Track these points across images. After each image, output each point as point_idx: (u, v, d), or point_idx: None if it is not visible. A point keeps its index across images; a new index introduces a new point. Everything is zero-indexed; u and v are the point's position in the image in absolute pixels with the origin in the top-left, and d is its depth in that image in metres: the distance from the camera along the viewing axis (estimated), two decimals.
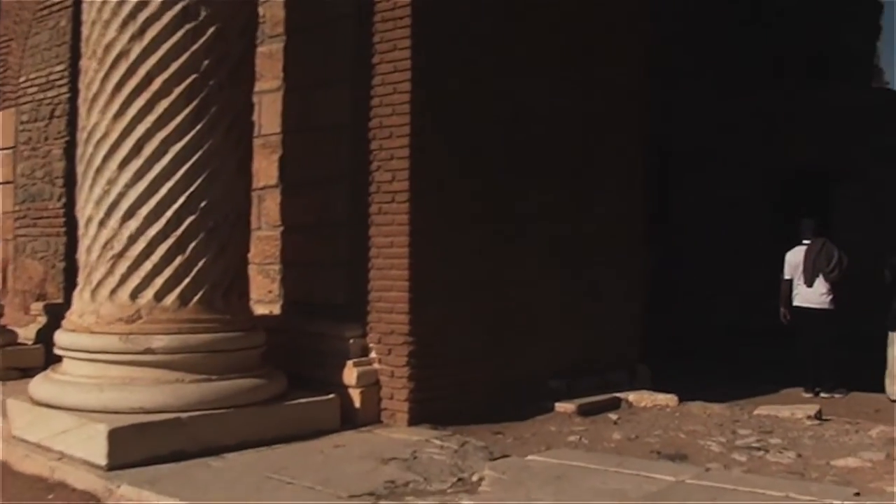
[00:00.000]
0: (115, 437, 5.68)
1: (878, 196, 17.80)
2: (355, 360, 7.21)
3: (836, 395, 9.79)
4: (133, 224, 6.45)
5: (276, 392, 6.82)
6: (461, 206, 7.56)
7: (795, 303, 10.12)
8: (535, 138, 8.36)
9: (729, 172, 18.68)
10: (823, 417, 7.92)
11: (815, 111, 18.08)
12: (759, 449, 6.72)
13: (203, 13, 6.63)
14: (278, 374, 6.97)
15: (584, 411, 7.94)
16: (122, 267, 6.44)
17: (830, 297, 9.92)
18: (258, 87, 7.89)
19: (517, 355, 8.08)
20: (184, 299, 6.47)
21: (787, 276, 10.22)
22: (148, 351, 6.26)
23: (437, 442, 6.54)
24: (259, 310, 7.95)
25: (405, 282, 7.11)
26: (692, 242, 18.88)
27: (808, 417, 7.80)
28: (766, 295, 19.13)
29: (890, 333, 9.87)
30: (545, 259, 8.43)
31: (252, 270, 7.75)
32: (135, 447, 5.75)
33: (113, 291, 6.45)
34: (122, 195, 6.47)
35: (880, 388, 9.94)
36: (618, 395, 8.51)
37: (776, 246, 19.32)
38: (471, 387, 7.57)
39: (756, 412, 8.10)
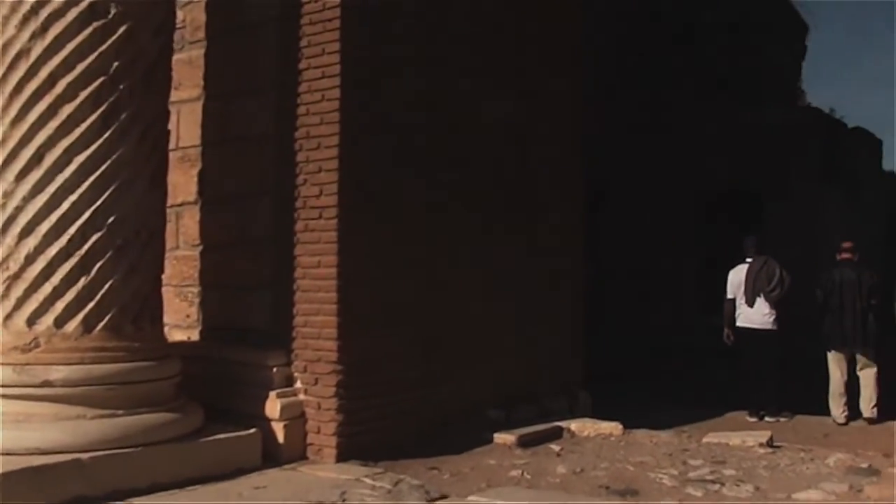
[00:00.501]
0: (4, 483, 4.94)
1: (806, 214, 17.64)
2: (279, 390, 6.55)
3: (782, 419, 9.39)
4: (31, 242, 5.72)
5: (192, 427, 6.13)
6: (394, 223, 6.97)
7: (738, 323, 9.69)
8: (473, 151, 7.83)
9: (657, 192, 18.46)
10: (774, 444, 7.48)
11: (744, 131, 17.91)
12: (713, 482, 6.22)
13: (113, 10, 5.95)
14: (194, 406, 6.29)
15: (524, 442, 7.38)
16: (19, 290, 5.72)
17: (773, 317, 9.50)
18: (177, 96, 7.28)
19: (453, 383, 7.51)
20: (88, 325, 5.75)
21: (729, 296, 9.78)
22: (46, 384, 5.52)
23: (369, 481, 5.90)
24: (176, 335, 7.29)
25: (333, 305, 6.48)
26: (621, 262, 18.60)
27: (760, 445, 7.35)
28: (697, 314, 18.99)
29: (829, 354, 9.55)
30: (483, 281, 7.88)
31: (169, 293, 7.09)
32: (28, 494, 5.01)
33: (7, 317, 5.71)
34: (19, 210, 5.75)
35: (823, 410, 9.60)
36: (559, 423, 7.97)
37: (706, 266, 19.23)
38: (404, 418, 6.97)
39: (705, 440, 7.63)
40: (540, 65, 8.68)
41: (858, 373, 9.41)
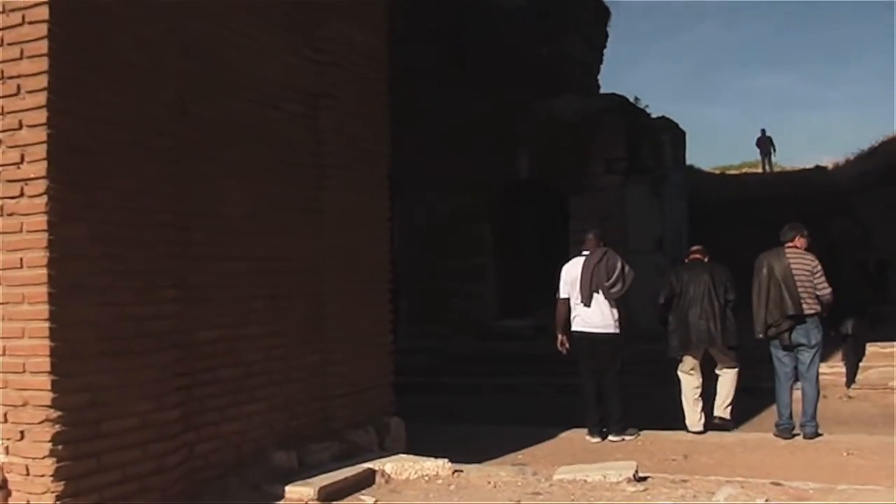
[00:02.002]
0: None
1: (610, 208, 16.58)
2: None
3: (628, 437, 7.91)
4: None
5: None
6: (131, 206, 4.86)
7: (574, 327, 8.10)
8: (241, 113, 5.87)
9: (452, 187, 17.04)
10: (641, 476, 5.90)
11: (543, 121, 16.73)
12: None
13: None
14: None
15: (327, 495, 5.48)
16: None
17: (615, 318, 8.00)
18: None
19: (224, 423, 5.53)
20: None
21: (562, 295, 8.18)
22: None
23: None
24: None
25: (44, 323, 4.34)
26: (415, 262, 17.11)
27: (628, 480, 5.73)
28: (497, 317, 17.65)
29: (680, 358, 8.22)
30: (261, 283, 5.93)
31: None
32: None
33: None
34: None
35: (667, 422, 8.25)
36: (370, 465, 6.09)
37: (505, 263, 17.95)
38: (158, 477, 4.90)
39: (556, 476, 5.92)
40: (337, 13, 6.82)
41: (718, 372, 8.23)
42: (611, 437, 7.89)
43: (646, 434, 8.02)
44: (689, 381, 8.17)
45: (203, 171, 5.46)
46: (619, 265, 7.95)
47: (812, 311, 7.65)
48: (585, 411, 8.10)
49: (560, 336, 8.15)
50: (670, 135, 17.35)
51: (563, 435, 8.14)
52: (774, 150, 26.84)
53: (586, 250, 8.13)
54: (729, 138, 58.22)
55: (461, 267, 17.26)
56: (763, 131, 26.63)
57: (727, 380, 8.19)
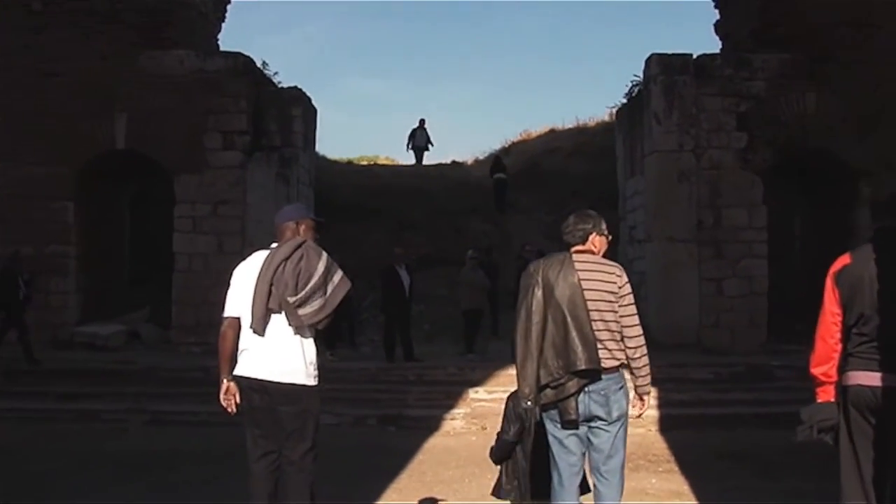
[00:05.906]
0: None
1: (227, 190, 13.22)
2: None
3: None
4: None
5: None
6: None
7: (239, 370, 4.42)
8: None
9: (31, 151, 13.35)
10: None
11: (145, 79, 13.03)
12: None
13: None
14: None
15: None
16: None
17: (307, 360, 4.45)
18: None
19: None
20: None
21: (230, 313, 4.48)
22: None
23: None
24: None
25: None
26: None
27: None
28: (81, 320, 13.49)
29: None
30: None
31: None
32: None
33: None
34: None
35: None
36: None
37: (93, 253, 13.87)
38: None
39: None
40: None
41: None
42: None
43: None
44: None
45: None
46: (319, 269, 4.39)
47: (615, 363, 4.29)
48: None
49: (226, 382, 4.46)
50: (302, 109, 14.21)
51: None
52: (432, 145, 23.38)
53: (278, 241, 4.54)
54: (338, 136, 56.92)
55: (35, 256, 13.06)
56: (422, 122, 23.16)
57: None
